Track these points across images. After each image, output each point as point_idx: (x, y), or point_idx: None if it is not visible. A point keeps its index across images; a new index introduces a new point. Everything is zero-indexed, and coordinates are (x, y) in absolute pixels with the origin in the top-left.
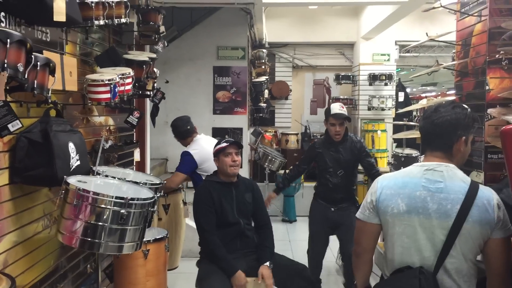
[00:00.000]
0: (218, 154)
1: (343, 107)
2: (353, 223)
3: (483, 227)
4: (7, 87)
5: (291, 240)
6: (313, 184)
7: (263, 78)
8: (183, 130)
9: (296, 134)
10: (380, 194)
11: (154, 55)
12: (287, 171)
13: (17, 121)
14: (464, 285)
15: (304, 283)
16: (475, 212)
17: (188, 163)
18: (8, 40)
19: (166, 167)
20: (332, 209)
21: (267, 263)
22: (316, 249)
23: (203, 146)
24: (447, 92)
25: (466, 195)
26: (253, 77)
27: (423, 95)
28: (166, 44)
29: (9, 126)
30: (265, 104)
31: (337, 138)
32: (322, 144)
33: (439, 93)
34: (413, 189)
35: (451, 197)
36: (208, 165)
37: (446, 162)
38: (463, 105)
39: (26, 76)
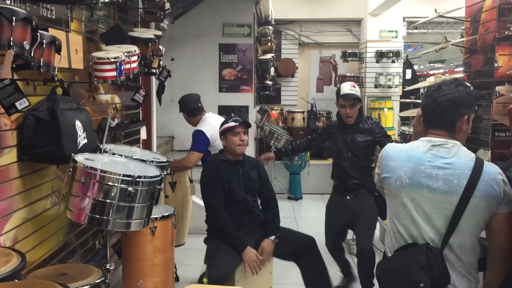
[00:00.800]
0: (225, 133)
1: (354, 87)
2: (369, 215)
3: (490, 202)
4: (14, 65)
5: (297, 217)
6: (319, 162)
7: (269, 56)
8: (194, 108)
9: (302, 112)
10: (386, 165)
11: (159, 33)
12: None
13: (24, 99)
14: (466, 260)
15: (312, 254)
16: (482, 187)
17: (202, 141)
18: (14, 18)
19: (173, 145)
20: (348, 197)
21: (272, 237)
22: (331, 242)
23: (213, 125)
24: (455, 70)
25: (472, 171)
26: (259, 55)
27: (431, 72)
28: (171, 21)
29: (17, 104)
30: (271, 82)
31: (348, 121)
32: (336, 126)
33: (447, 71)
34: (418, 163)
35: (457, 173)
36: (219, 143)
37: (451, 139)
38: (466, 83)
39: (32, 54)
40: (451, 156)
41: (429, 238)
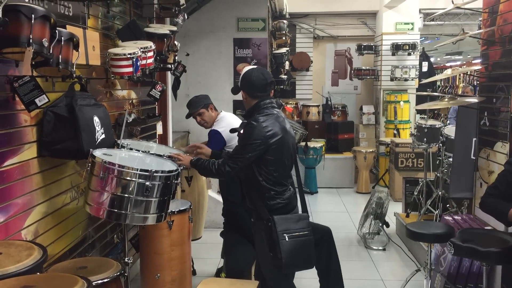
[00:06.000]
0: None
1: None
2: (259, 257)
3: None
4: (33, 62)
5: (313, 211)
6: (335, 156)
7: (283, 50)
8: (210, 102)
9: (317, 106)
10: None
11: (174, 28)
12: (308, 143)
13: (44, 95)
14: None
15: (329, 244)
16: None
17: (218, 141)
18: (33, 16)
19: (188, 140)
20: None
21: None
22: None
23: (230, 123)
24: (473, 61)
25: None
26: (273, 49)
27: (448, 64)
28: (186, 17)
29: (36, 100)
30: (286, 76)
31: None
32: None
33: (464, 63)
34: None
35: None
36: (235, 142)
37: None
38: None
39: (51, 51)
40: None
41: None
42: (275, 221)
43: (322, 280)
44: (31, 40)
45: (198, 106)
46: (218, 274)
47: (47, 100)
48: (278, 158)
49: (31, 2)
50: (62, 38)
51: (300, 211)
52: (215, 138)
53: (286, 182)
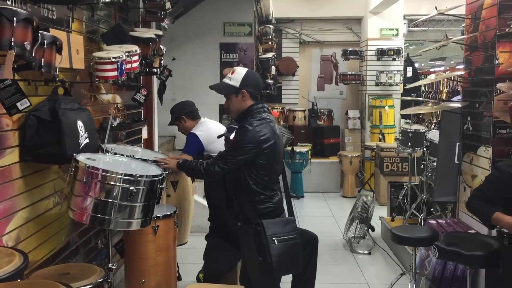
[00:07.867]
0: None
1: (232, 73)
2: (247, 262)
3: None
4: (15, 66)
5: (299, 216)
6: (321, 160)
7: (270, 55)
8: (196, 109)
9: (304, 111)
10: None
11: (160, 32)
12: (295, 148)
13: (26, 99)
14: None
15: (312, 252)
16: None
17: (194, 144)
18: (15, 18)
19: (174, 144)
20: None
21: None
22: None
23: (210, 127)
24: (456, 67)
25: None
26: (260, 54)
27: (432, 70)
28: (172, 21)
29: (18, 104)
30: (272, 81)
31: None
32: None
33: (448, 68)
34: None
35: None
36: (215, 146)
37: None
38: None
39: (33, 55)
40: None
41: None
42: (264, 225)
43: (295, 282)
44: (12, 43)
45: (173, 118)
46: (198, 276)
47: (28, 104)
48: (269, 163)
49: (13, 4)
50: (45, 41)
51: (287, 215)
52: (192, 141)
53: (274, 187)
